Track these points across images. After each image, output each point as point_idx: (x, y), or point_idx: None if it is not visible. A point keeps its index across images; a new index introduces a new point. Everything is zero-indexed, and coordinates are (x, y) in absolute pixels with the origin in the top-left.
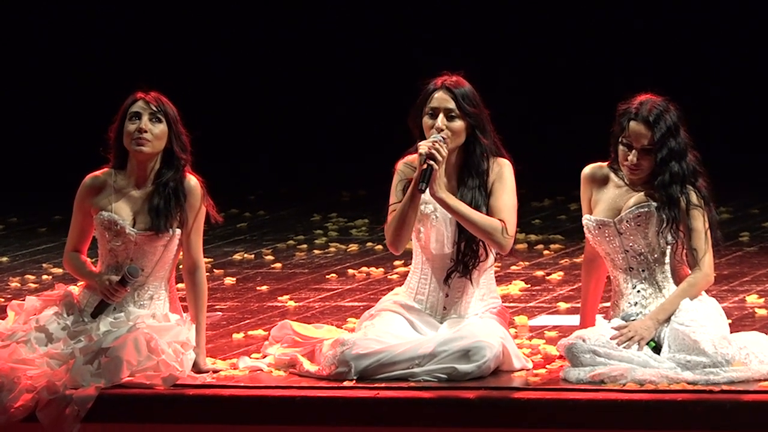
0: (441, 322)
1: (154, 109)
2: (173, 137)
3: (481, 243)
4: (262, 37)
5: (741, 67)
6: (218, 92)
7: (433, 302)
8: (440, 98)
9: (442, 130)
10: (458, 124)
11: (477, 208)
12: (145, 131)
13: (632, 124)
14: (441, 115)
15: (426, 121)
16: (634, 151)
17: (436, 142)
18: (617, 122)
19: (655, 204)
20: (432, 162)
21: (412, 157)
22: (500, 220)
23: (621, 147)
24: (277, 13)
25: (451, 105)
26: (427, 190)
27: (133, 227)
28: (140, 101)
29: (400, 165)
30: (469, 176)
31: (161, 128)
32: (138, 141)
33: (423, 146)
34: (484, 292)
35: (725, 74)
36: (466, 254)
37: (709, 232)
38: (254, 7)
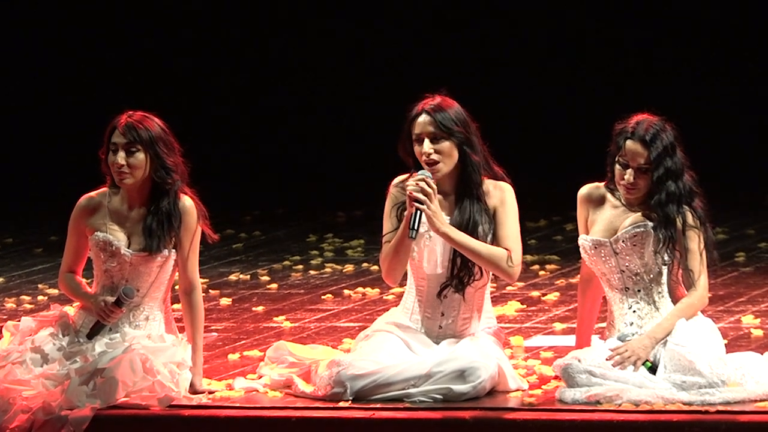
0: (436, 343)
1: (128, 140)
2: (154, 164)
3: None
4: (259, 58)
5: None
6: (215, 113)
7: (428, 322)
8: (422, 123)
9: (430, 155)
10: (445, 145)
11: (475, 225)
12: (122, 165)
13: (629, 143)
14: (426, 141)
15: (415, 148)
16: (630, 170)
17: (421, 180)
18: (614, 142)
19: (651, 224)
20: (419, 204)
21: (404, 178)
22: (505, 248)
23: (617, 166)
24: (276, 34)
25: (433, 128)
26: (431, 227)
27: (128, 248)
28: (117, 131)
29: (393, 188)
30: (465, 192)
31: (139, 158)
32: (118, 175)
33: (410, 186)
34: (479, 312)
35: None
36: (461, 269)
37: (704, 252)
38: (254, 29)
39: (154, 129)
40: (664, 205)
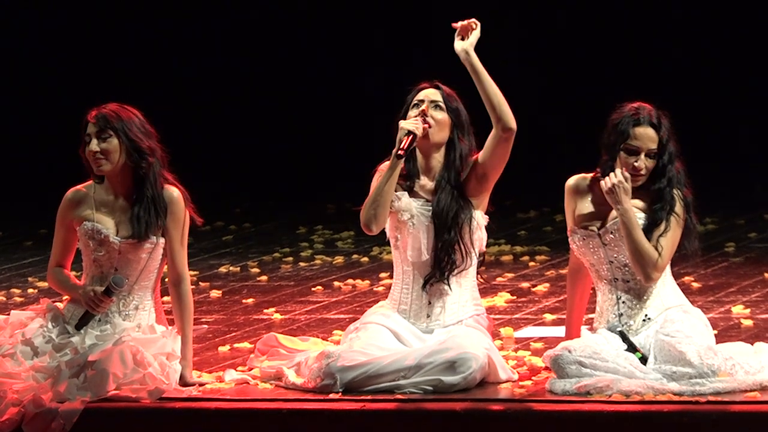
0: (425, 331)
1: (100, 127)
2: (128, 148)
3: (458, 248)
4: (245, 49)
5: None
6: (204, 105)
7: (416, 311)
8: (427, 92)
9: (426, 113)
10: (442, 115)
11: (449, 210)
12: (96, 151)
13: (639, 129)
14: (427, 102)
15: (410, 113)
16: (642, 155)
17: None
18: (612, 132)
19: (643, 215)
20: (414, 133)
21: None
22: None
23: (623, 154)
24: (264, 26)
25: (437, 97)
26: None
27: (116, 236)
28: (89, 122)
29: (379, 172)
30: (447, 180)
31: (113, 143)
32: (95, 163)
33: (408, 123)
34: (466, 299)
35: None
36: (442, 260)
37: (677, 242)
38: (244, 21)
39: (125, 114)
40: (664, 188)
